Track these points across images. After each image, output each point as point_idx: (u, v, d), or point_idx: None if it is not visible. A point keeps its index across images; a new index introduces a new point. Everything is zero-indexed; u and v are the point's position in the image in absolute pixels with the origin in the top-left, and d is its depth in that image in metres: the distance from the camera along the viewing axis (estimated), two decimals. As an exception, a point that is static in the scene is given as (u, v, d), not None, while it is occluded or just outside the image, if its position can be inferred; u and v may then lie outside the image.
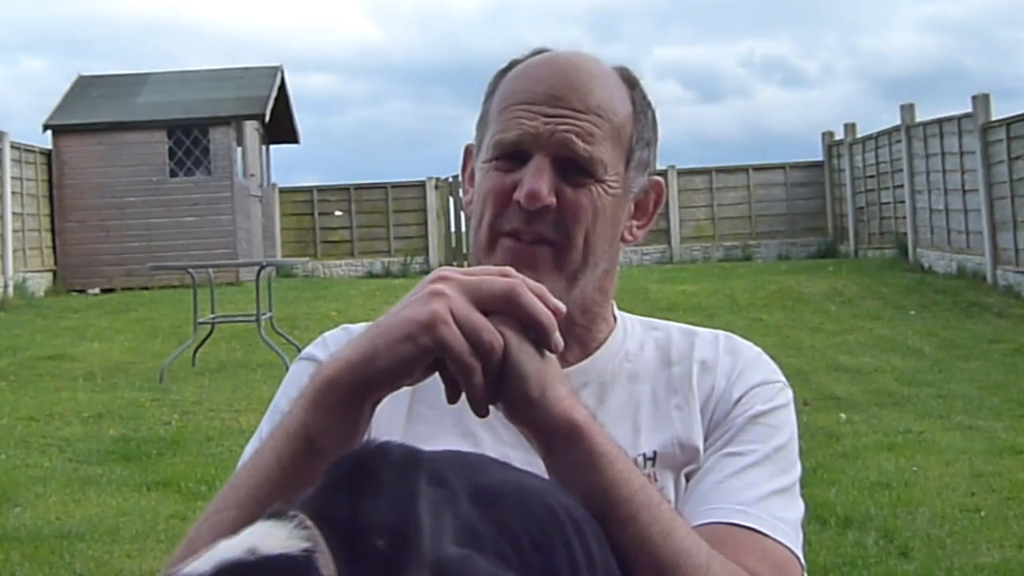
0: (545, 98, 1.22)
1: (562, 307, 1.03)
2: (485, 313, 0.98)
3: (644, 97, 1.29)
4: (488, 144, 1.26)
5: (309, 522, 0.85)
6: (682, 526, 1.06)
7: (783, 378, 1.32)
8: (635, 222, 1.32)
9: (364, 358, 1.00)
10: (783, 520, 1.18)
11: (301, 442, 1.01)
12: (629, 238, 1.31)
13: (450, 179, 19.43)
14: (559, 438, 1.02)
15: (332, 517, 0.87)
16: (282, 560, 0.81)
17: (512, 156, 1.23)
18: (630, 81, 1.29)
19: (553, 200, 1.20)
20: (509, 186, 1.22)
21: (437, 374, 1.01)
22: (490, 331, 0.97)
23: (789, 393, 1.31)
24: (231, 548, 0.82)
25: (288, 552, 0.82)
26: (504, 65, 1.30)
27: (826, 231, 20.09)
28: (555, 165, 1.21)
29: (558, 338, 1.01)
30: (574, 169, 1.21)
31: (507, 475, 1.03)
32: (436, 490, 0.91)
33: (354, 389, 1.01)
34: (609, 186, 1.23)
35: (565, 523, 0.96)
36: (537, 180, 1.20)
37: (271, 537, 0.83)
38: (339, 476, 0.92)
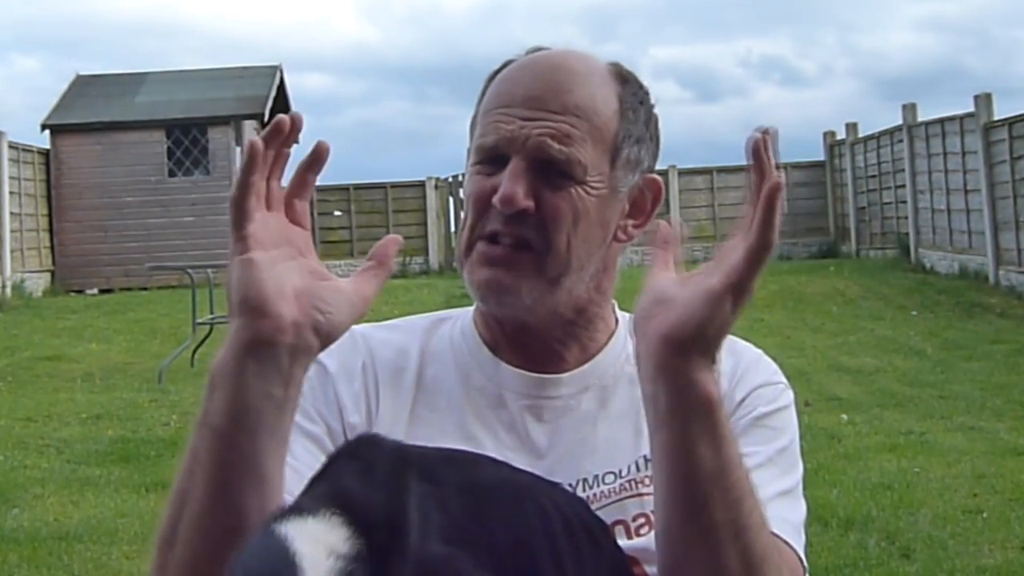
0: (523, 101, 1.22)
1: None
2: None
3: (635, 93, 1.27)
4: (472, 148, 1.26)
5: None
6: (767, 523, 1.08)
7: (784, 379, 1.33)
8: (631, 221, 1.30)
9: None
10: (788, 522, 1.18)
11: None
12: (623, 237, 1.29)
13: (450, 179, 19.42)
14: (692, 403, 1.03)
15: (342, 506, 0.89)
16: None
17: (492, 160, 1.23)
18: (621, 77, 1.27)
19: (531, 203, 1.20)
20: (488, 190, 1.22)
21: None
22: None
23: (791, 394, 1.31)
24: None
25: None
26: (497, 66, 1.30)
27: (828, 231, 20.08)
28: (533, 168, 1.20)
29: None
30: (553, 172, 1.21)
31: (501, 473, 1.04)
32: (426, 486, 0.92)
33: None
34: (591, 187, 1.22)
35: (554, 521, 0.97)
36: (512, 184, 1.19)
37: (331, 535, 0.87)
38: (337, 466, 0.94)
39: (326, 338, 1.04)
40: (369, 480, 0.91)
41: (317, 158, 1.07)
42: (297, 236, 1.07)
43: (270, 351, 1.00)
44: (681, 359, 1.02)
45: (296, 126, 1.04)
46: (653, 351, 1.03)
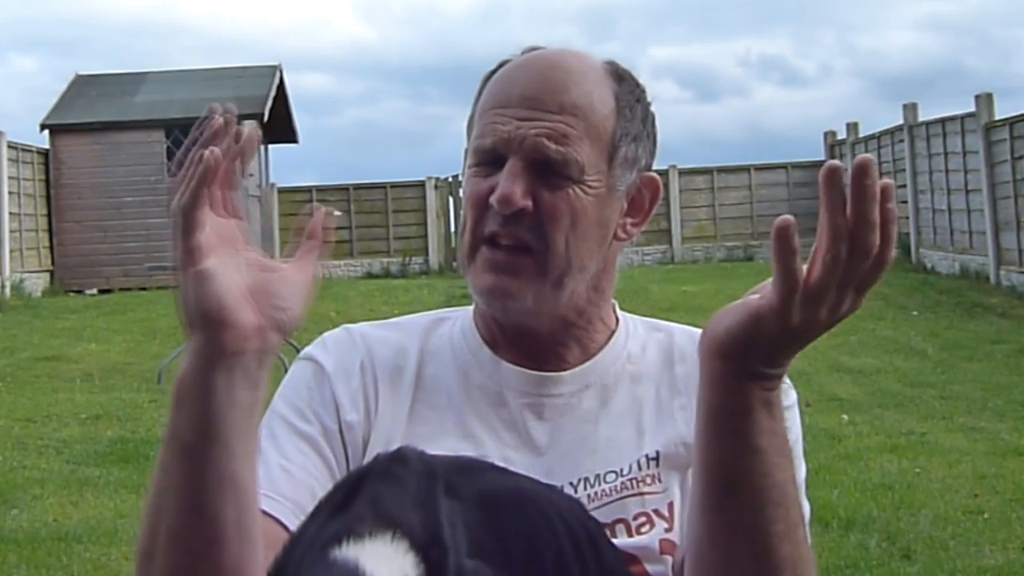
0: (519, 101, 1.21)
1: None
2: None
3: (632, 92, 1.27)
4: (470, 149, 1.26)
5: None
6: (796, 534, 1.07)
7: (787, 379, 1.30)
8: (629, 220, 1.29)
9: None
10: None
11: None
12: (623, 236, 1.29)
13: (450, 179, 19.42)
14: (726, 406, 1.03)
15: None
16: None
17: (490, 161, 1.22)
18: (618, 75, 1.26)
19: (528, 203, 1.19)
20: (486, 191, 1.21)
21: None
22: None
23: (794, 394, 1.31)
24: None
25: None
26: (493, 67, 1.29)
27: (827, 231, 20.05)
28: (530, 168, 1.20)
29: None
30: (550, 171, 1.20)
31: (504, 480, 1.06)
32: (452, 502, 0.95)
33: None
34: (589, 186, 1.21)
35: (558, 529, 0.99)
36: (509, 184, 1.19)
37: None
38: (371, 487, 0.94)
39: (286, 333, 1.02)
40: (405, 501, 0.92)
41: (244, 146, 1.03)
42: (233, 230, 1.04)
43: (238, 360, 0.98)
44: (721, 363, 1.03)
45: (232, 125, 1.02)
46: (702, 350, 1.05)
